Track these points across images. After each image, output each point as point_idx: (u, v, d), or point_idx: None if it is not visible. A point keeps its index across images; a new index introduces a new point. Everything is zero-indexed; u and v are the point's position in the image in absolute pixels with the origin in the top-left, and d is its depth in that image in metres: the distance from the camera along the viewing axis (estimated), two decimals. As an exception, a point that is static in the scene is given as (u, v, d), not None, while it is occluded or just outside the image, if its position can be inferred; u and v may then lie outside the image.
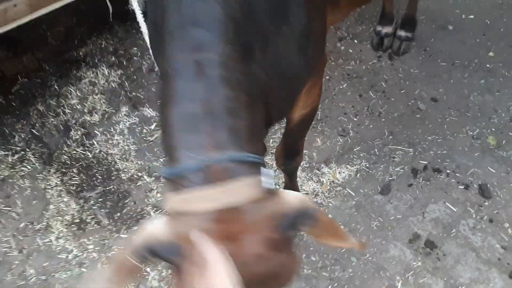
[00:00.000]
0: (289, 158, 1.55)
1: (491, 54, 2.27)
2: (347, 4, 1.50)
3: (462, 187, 1.85)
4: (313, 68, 1.16)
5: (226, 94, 0.74)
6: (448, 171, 1.90)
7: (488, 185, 1.84)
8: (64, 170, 1.97)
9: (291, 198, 0.75)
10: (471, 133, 2.02)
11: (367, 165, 1.96)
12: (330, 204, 1.85)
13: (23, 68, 2.18)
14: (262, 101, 0.87)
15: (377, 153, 1.99)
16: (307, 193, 1.88)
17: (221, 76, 0.75)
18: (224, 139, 0.72)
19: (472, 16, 2.44)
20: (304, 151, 1.99)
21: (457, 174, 1.89)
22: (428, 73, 2.23)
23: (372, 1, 1.84)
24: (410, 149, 1.99)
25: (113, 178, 1.95)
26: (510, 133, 2.00)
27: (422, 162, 1.94)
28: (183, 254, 0.67)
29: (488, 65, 2.24)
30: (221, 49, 0.76)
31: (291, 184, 1.73)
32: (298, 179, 1.89)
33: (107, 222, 1.82)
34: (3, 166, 1.95)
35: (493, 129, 2.02)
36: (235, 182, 0.69)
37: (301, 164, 1.95)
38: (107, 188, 1.92)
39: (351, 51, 2.36)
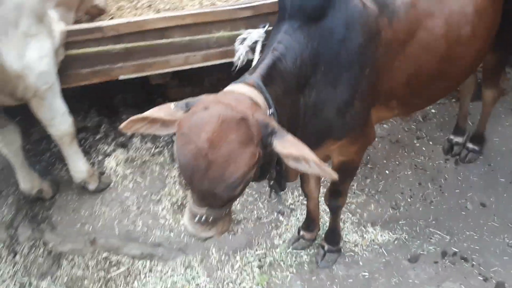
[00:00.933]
0: (333, 197, 2.05)
1: (549, 183, 2.55)
2: (398, 110, 1.94)
3: (482, 278, 2.13)
4: (348, 130, 1.67)
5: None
6: (474, 263, 2.20)
7: (506, 284, 2.10)
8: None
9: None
10: (508, 240, 2.30)
11: (406, 237, 2.35)
12: (364, 255, 2.28)
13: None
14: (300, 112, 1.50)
15: (418, 231, 2.38)
16: (348, 241, 2.34)
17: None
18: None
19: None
20: (358, 210, 2.48)
21: (481, 267, 2.18)
22: (485, 183, 2.58)
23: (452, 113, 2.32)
24: (447, 236, 2.34)
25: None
26: (545, 252, 2.24)
27: (454, 249, 2.27)
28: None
29: (544, 192, 2.51)
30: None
31: (333, 221, 2.20)
32: (344, 228, 2.38)
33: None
34: (146, 153, 2.80)
35: (530, 243, 2.28)
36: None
37: (352, 219, 2.44)
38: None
39: (424, 148, 2.83)
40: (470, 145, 2.69)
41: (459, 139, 2.73)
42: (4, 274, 2.31)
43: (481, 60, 2.04)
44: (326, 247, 2.25)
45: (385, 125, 3.00)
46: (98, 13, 2.88)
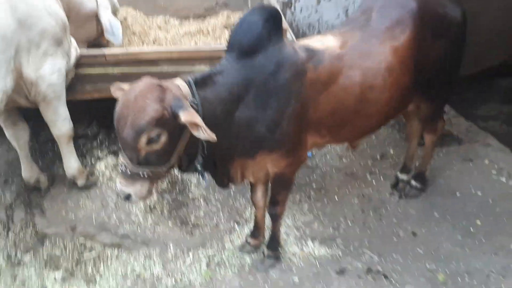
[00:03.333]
0: (272, 206, 2.41)
1: (478, 222, 2.82)
2: (330, 138, 2.33)
3: (395, 293, 2.42)
4: (279, 146, 2.08)
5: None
6: (392, 280, 2.48)
7: (414, 300, 2.37)
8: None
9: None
10: (428, 266, 2.58)
11: (340, 254, 2.65)
12: (299, 265, 2.59)
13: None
14: (234, 122, 1.95)
15: (351, 250, 2.69)
16: (288, 251, 2.67)
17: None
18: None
19: (480, 193, 3.04)
20: (302, 226, 2.83)
21: (397, 284, 2.46)
22: (421, 216, 2.89)
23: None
24: (376, 257, 2.63)
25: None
26: (459, 279, 2.50)
27: (379, 267, 2.56)
28: None
29: (472, 229, 2.79)
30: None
31: (273, 229, 2.52)
32: (288, 240, 2.72)
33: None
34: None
35: (446, 271, 2.54)
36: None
37: (296, 234, 2.78)
38: (176, 197, 3.04)
39: (374, 183, 3.17)
40: (413, 182, 3.03)
41: (404, 177, 3.07)
42: (-3, 246, 2.77)
43: (400, 108, 2.43)
44: (266, 252, 2.59)
45: (344, 159, 3.39)
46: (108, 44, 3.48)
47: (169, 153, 1.84)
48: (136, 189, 1.83)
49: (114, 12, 3.44)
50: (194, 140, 1.88)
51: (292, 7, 4.55)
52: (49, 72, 2.49)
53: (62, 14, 2.55)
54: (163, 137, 1.75)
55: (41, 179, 2.99)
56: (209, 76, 1.94)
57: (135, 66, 2.88)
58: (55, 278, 2.56)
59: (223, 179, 2.23)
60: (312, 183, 3.20)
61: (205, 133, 1.71)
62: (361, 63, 2.14)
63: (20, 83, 2.42)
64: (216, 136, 1.81)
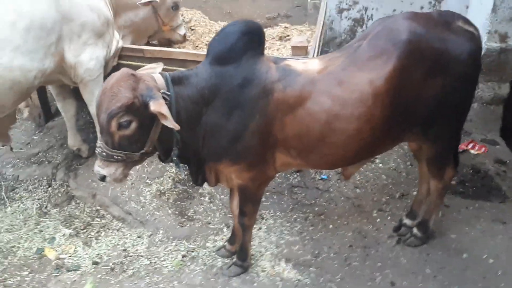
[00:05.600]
0: (240, 216, 2.48)
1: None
2: (301, 161, 2.30)
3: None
4: (241, 158, 2.16)
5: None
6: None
7: None
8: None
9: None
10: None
11: (308, 282, 2.61)
12: (263, 280, 2.63)
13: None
14: (202, 123, 2.11)
15: (321, 281, 2.61)
16: (260, 266, 2.72)
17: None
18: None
19: (491, 261, 2.66)
20: (283, 245, 2.84)
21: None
22: (410, 268, 2.66)
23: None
24: None
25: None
26: None
27: (337, 306, 2.48)
28: None
29: None
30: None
31: (243, 238, 2.58)
32: (263, 255, 2.77)
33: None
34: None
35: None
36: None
37: (273, 251, 2.81)
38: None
39: (378, 220, 3.00)
40: (415, 230, 2.79)
41: (408, 222, 2.85)
42: (38, 195, 3.35)
43: (382, 143, 2.27)
44: (235, 259, 2.69)
45: (358, 190, 3.26)
46: (168, 43, 3.85)
47: (141, 140, 2.02)
48: (110, 171, 2.05)
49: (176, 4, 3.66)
50: (168, 131, 2.05)
51: (364, 25, 4.41)
52: (87, 59, 2.93)
53: (105, 10, 2.96)
54: (133, 124, 1.94)
55: (82, 148, 3.52)
56: (185, 75, 2.12)
57: (166, 65, 3.18)
58: (63, 234, 3.04)
59: (197, 177, 2.39)
60: (315, 206, 3.17)
61: (170, 124, 1.89)
62: (333, 91, 2.09)
63: (63, 66, 2.89)
64: (188, 134, 2.04)
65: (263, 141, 2.17)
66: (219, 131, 2.14)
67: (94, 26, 2.90)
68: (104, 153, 2.01)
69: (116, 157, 2.01)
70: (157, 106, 1.89)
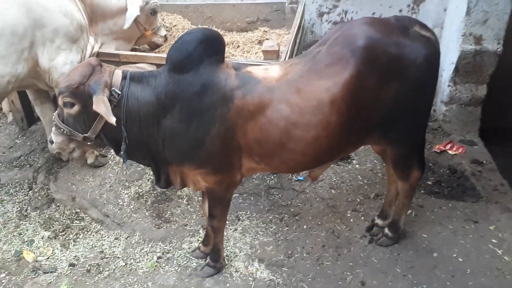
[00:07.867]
0: (209, 218, 2.53)
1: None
2: (265, 166, 2.34)
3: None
4: (203, 163, 2.21)
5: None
6: (313, 322, 2.43)
7: None
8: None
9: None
10: (359, 319, 2.44)
11: (280, 282, 2.65)
12: (236, 281, 2.67)
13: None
14: (155, 126, 2.19)
15: (292, 281, 2.66)
16: (233, 266, 2.76)
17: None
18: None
19: (461, 259, 2.70)
20: (257, 246, 2.88)
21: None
22: (381, 267, 2.70)
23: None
24: None
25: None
26: None
27: (307, 305, 2.52)
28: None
29: (429, 296, 2.53)
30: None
31: (214, 239, 2.63)
32: (238, 256, 2.81)
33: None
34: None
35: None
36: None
37: (247, 251, 2.85)
38: (163, 191, 3.33)
39: (352, 220, 3.04)
40: (386, 230, 2.83)
41: (380, 222, 2.89)
42: (18, 199, 3.40)
43: (342, 147, 2.31)
44: (207, 261, 2.73)
45: (333, 191, 3.30)
46: (155, 47, 3.89)
47: (86, 125, 2.17)
48: (57, 139, 2.25)
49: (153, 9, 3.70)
50: (114, 126, 2.10)
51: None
52: (62, 64, 2.98)
53: (78, 16, 3.01)
54: (76, 107, 2.11)
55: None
56: (145, 76, 2.19)
57: (144, 68, 3.24)
58: (42, 237, 3.07)
59: (158, 177, 2.44)
60: (291, 207, 3.21)
61: (108, 119, 2.03)
62: (290, 99, 2.12)
63: (37, 70, 2.94)
64: (143, 133, 2.15)
65: (226, 146, 2.22)
66: (179, 136, 2.18)
67: (67, 31, 2.95)
68: (54, 122, 2.22)
69: (61, 130, 2.20)
70: (96, 101, 2.02)
